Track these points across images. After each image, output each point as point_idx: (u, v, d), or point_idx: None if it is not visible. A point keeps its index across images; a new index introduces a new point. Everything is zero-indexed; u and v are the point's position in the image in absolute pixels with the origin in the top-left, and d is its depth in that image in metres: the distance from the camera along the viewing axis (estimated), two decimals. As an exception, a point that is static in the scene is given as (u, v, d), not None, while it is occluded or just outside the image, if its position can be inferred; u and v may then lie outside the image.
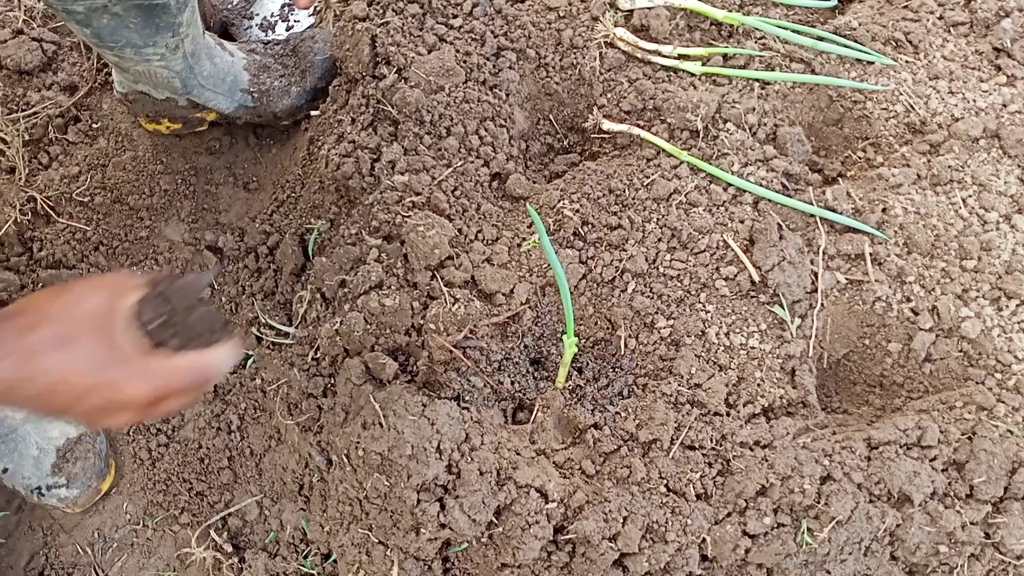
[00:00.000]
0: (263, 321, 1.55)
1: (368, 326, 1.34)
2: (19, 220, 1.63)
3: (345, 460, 1.30)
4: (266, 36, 1.85)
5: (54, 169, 1.70)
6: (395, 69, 1.50)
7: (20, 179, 1.67)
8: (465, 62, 1.52)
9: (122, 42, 1.43)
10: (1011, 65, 1.60)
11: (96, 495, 1.52)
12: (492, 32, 1.56)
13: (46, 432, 1.49)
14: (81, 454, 1.50)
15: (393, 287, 1.38)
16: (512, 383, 1.36)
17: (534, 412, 1.35)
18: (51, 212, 1.66)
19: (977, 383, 1.37)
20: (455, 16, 1.57)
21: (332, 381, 1.39)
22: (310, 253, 1.57)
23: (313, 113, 1.68)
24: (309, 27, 1.83)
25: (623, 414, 1.34)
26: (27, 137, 1.71)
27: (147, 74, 1.53)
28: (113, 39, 1.42)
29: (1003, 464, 1.28)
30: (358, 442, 1.27)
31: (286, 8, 1.86)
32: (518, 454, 1.28)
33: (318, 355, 1.41)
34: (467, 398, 1.31)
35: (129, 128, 1.73)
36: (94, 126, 1.75)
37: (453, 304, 1.34)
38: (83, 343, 0.81)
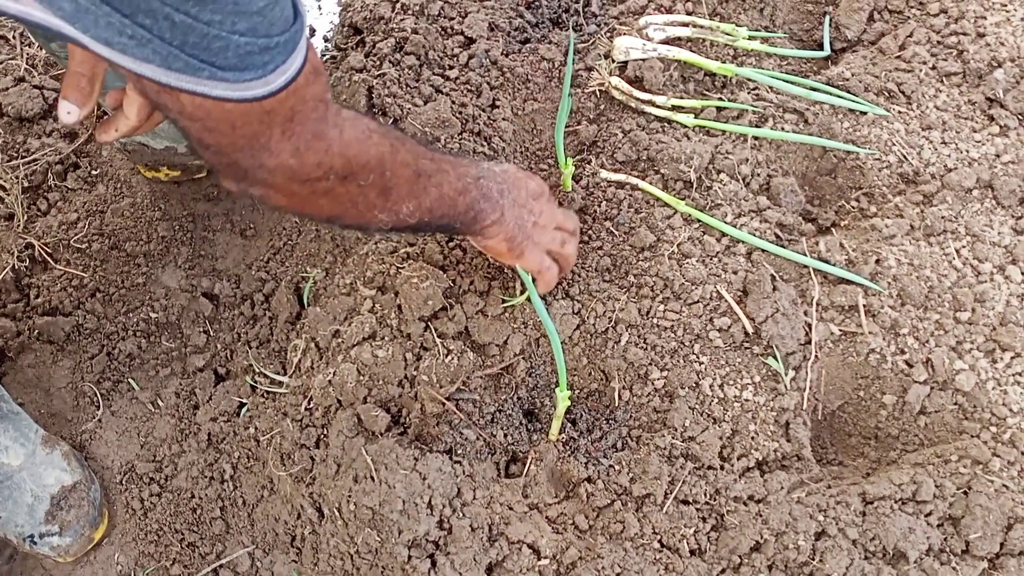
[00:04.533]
0: (257, 370, 1.56)
1: (361, 377, 1.34)
2: (16, 267, 1.64)
3: (337, 513, 1.29)
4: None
5: (52, 216, 1.71)
6: (392, 120, 1.52)
7: (19, 226, 1.68)
8: (461, 113, 1.54)
9: (121, 87, 1.45)
10: (1004, 115, 1.61)
11: (89, 544, 1.51)
12: (488, 83, 1.57)
13: (41, 479, 1.49)
14: (75, 502, 1.49)
15: (386, 338, 1.38)
16: (505, 435, 1.36)
17: (527, 465, 1.34)
18: (48, 259, 1.67)
19: (972, 436, 1.36)
20: (451, 67, 1.59)
21: (325, 432, 1.39)
22: (305, 302, 1.58)
23: (310, 161, 1.69)
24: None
25: (617, 467, 1.34)
26: (26, 184, 1.73)
27: (146, 123, 1.55)
28: (113, 85, 1.44)
29: (999, 520, 1.27)
30: (350, 495, 1.27)
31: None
32: (510, 509, 1.27)
33: (311, 405, 1.41)
34: (459, 451, 1.31)
35: (128, 175, 1.74)
36: (93, 173, 1.77)
37: (446, 356, 1.35)
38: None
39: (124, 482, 1.55)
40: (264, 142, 0.91)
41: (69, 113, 1.14)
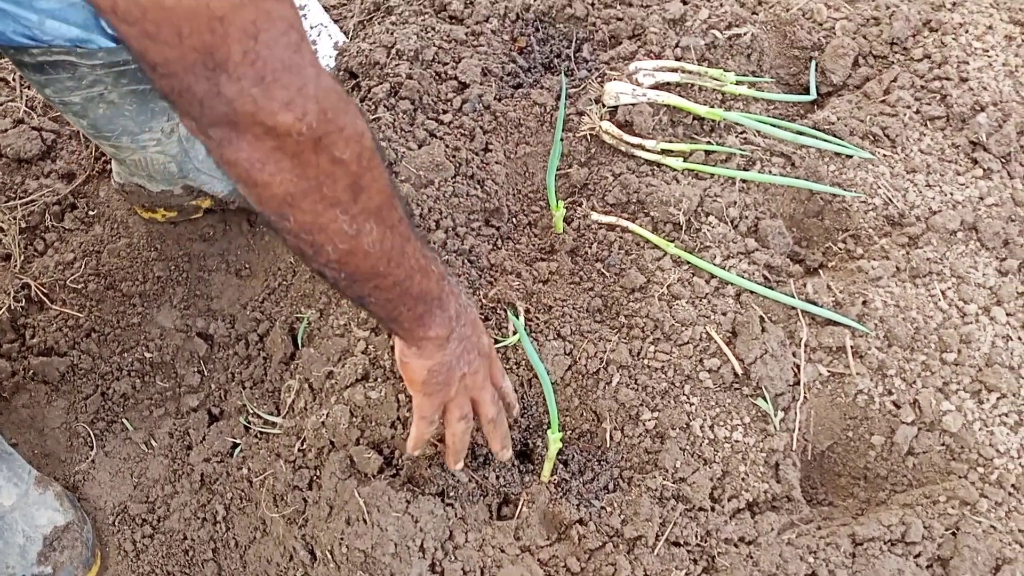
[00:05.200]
0: (251, 410, 1.56)
1: (354, 419, 1.35)
2: (12, 307, 1.65)
3: (329, 556, 1.30)
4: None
5: (49, 256, 1.73)
6: (386, 164, 1.54)
7: (15, 266, 1.70)
8: (454, 156, 1.56)
9: (118, 131, 1.47)
10: (987, 158, 1.64)
11: (80, 586, 1.51)
12: (481, 127, 1.60)
13: (33, 520, 1.49)
14: (68, 543, 1.49)
15: (379, 379, 1.39)
16: (497, 477, 1.37)
17: (519, 507, 1.35)
18: (45, 299, 1.68)
19: (960, 477, 1.38)
20: (445, 112, 1.61)
21: (318, 474, 1.39)
22: (299, 342, 1.59)
23: (306, 202, 1.71)
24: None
25: (608, 509, 1.35)
26: (24, 224, 1.75)
27: (143, 164, 1.57)
28: (110, 128, 1.46)
29: (987, 560, 1.28)
30: (342, 538, 1.27)
31: (281, 98, 1.91)
32: (503, 551, 1.28)
33: (304, 447, 1.42)
34: (451, 493, 1.32)
35: (125, 215, 1.76)
36: (90, 213, 1.78)
37: (439, 397, 1.35)
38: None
39: (116, 523, 1.55)
40: (221, 60, 0.75)
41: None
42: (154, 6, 0.70)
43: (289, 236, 0.92)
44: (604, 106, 1.66)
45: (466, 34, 1.78)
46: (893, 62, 1.79)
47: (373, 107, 1.60)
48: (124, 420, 1.64)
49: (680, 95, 1.66)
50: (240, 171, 0.85)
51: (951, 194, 1.60)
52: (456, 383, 1.17)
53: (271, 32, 0.77)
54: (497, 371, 1.28)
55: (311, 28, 1.87)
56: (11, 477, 1.46)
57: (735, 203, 1.57)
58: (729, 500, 1.35)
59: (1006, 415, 1.41)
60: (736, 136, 1.66)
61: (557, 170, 1.64)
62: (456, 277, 1.23)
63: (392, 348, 1.33)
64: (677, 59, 1.71)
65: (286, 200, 0.87)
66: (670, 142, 1.63)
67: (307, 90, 0.81)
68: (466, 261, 1.54)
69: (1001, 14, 1.84)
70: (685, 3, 1.84)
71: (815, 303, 1.49)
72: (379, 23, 1.85)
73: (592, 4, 1.86)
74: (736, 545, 1.31)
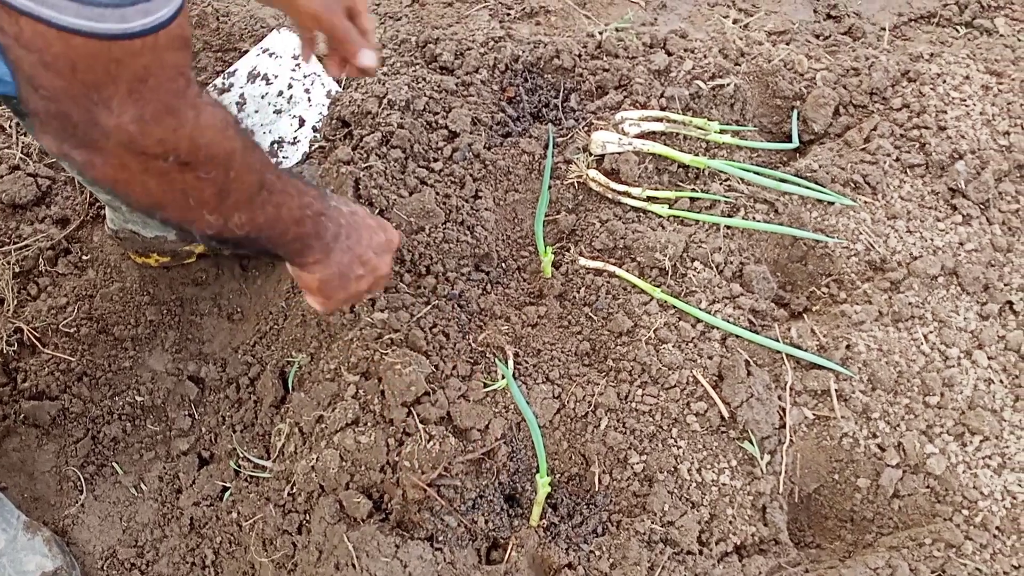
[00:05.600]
0: (241, 454, 1.57)
1: (343, 463, 1.36)
2: (5, 351, 1.66)
3: (318, 601, 1.29)
4: (255, 171, 1.92)
5: (42, 300, 1.74)
6: (378, 210, 1.57)
7: (8, 310, 1.71)
8: (445, 203, 1.59)
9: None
10: (966, 205, 1.68)
11: (67, 632, 1.50)
12: (471, 175, 1.63)
13: (22, 565, 1.48)
14: (56, 588, 1.49)
15: (369, 424, 1.40)
16: (486, 521, 1.37)
17: (508, 552, 1.35)
18: (37, 343, 1.69)
19: (945, 520, 1.39)
20: (436, 160, 1.65)
21: (307, 518, 1.40)
22: (290, 386, 1.60)
23: (298, 247, 1.74)
24: (297, 164, 1.90)
25: (597, 553, 1.35)
26: (17, 269, 1.76)
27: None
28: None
29: (973, 604, 1.29)
30: (331, 583, 1.27)
31: (275, 145, 1.94)
32: (491, 596, 1.28)
33: (294, 491, 1.42)
34: (440, 538, 1.32)
35: (118, 260, 1.78)
36: (84, 258, 1.80)
37: (428, 441, 1.37)
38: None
39: (105, 568, 1.55)
40: (105, 97, 0.82)
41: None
42: (59, 42, 0.76)
43: (157, 220, 1.08)
44: (591, 154, 1.70)
45: (456, 84, 1.82)
46: (873, 111, 1.84)
47: (365, 155, 1.63)
48: (114, 464, 1.64)
49: (665, 144, 1.70)
50: (105, 185, 0.94)
51: (931, 240, 1.64)
52: (354, 282, 1.29)
53: (159, 78, 0.85)
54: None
55: (305, 77, 1.91)
56: (-1, 522, 1.46)
57: (720, 249, 1.60)
58: (717, 543, 1.36)
59: (989, 458, 1.43)
60: (720, 183, 1.70)
61: (545, 216, 1.67)
62: (333, 194, 1.33)
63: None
64: (662, 108, 1.75)
65: (152, 205, 0.98)
66: (656, 189, 1.67)
67: (182, 130, 0.90)
68: (456, 306, 1.56)
69: (978, 64, 1.90)
70: (670, 55, 1.89)
71: (800, 347, 1.51)
72: (372, 73, 1.90)
73: (579, 55, 1.90)
74: (724, 589, 1.32)
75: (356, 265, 1.27)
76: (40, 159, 1.90)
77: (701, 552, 1.35)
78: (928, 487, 1.41)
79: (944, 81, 1.83)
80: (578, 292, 1.59)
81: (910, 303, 1.56)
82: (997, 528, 1.37)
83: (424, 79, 1.81)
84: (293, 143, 1.91)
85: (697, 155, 1.71)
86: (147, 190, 0.95)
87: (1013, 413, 1.47)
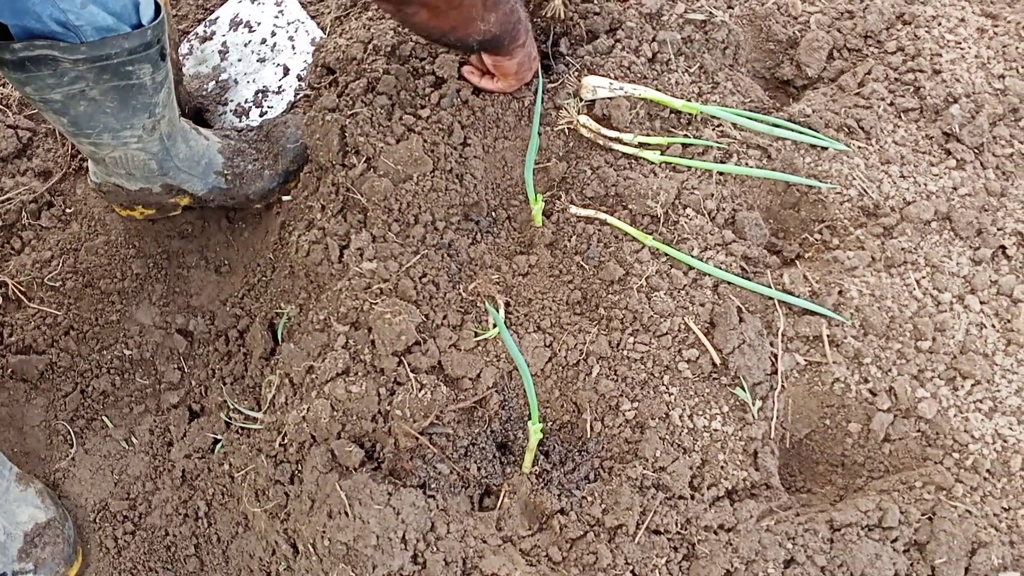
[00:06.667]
0: (231, 406, 1.56)
1: (335, 413, 1.36)
2: (-10, 306, 1.65)
3: (311, 549, 1.30)
4: (240, 122, 1.89)
5: (26, 254, 1.72)
6: (364, 159, 1.54)
7: (-8, 265, 1.69)
8: (433, 151, 1.57)
9: (99, 128, 1.46)
10: (960, 149, 1.66)
11: (62, 582, 1.50)
12: (459, 123, 1.60)
13: (14, 517, 1.48)
14: (50, 539, 1.49)
15: (360, 373, 1.39)
16: (478, 469, 1.37)
17: (500, 498, 1.36)
18: (22, 297, 1.67)
19: (935, 463, 1.39)
20: (423, 107, 1.62)
21: (299, 468, 1.39)
22: (279, 338, 1.59)
23: (285, 198, 1.72)
24: (282, 113, 1.87)
25: (589, 499, 1.35)
26: (0, 223, 1.73)
27: (123, 161, 1.56)
28: (90, 126, 1.45)
29: (963, 545, 1.30)
30: (324, 531, 1.28)
31: (259, 95, 1.90)
32: (484, 542, 1.28)
33: (285, 441, 1.42)
34: (433, 485, 1.32)
35: (102, 213, 1.76)
36: (67, 211, 1.78)
37: (419, 390, 1.36)
38: None
39: (98, 520, 1.55)
40: None
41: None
42: None
43: (444, 45, 1.63)
44: (582, 100, 1.67)
45: (444, 29, 1.78)
46: (867, 55, 1.81)
47: (351, 102, 1.60)
48: (104, 417, 1.63)
49: (657, 88, 1.67)
50: (422, 20, 1.36)
51: (925, 185, 1.62)
52: (531, 67, 1.63)
53: None
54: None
55: (288, 24, 1.87)
56: (-10, 475, 1.46)
57: (712, 195, 1.58)
58: (708, 488, 1.37)
59: (980, 401, 1.43)
60: (713, 129, 1.68)
61: (535, 164, 1.64)
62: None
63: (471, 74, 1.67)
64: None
65: (451, 29, 1.38)
66: (647, 136, 1.64)
67: None
68: (445, 255, 1.54)
69: (973, 7, 1.87)
70: (662, -3, 1.85)
71: (792, 293, 1.51)
72: (356, 19, 1.86)
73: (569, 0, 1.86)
74: (716, 532, 1.33)
75: (534, 52, 1.61)
76: (20, 110, 1.86)
77: (693, 497, 1.36)
78: (919, 431, 1.42)
79: (939, 24, 1.80)
80: (569, 241, 1.58)
81: (903, 248, 1.55)
82: (987, 471, 1.38)
83: (411, 25, 1.77)
84: (278, 92, 1.87)
85: (689, 100, 1.68)
86: (449, 20, 1.34)
87: (1005, 357, 1.47)
